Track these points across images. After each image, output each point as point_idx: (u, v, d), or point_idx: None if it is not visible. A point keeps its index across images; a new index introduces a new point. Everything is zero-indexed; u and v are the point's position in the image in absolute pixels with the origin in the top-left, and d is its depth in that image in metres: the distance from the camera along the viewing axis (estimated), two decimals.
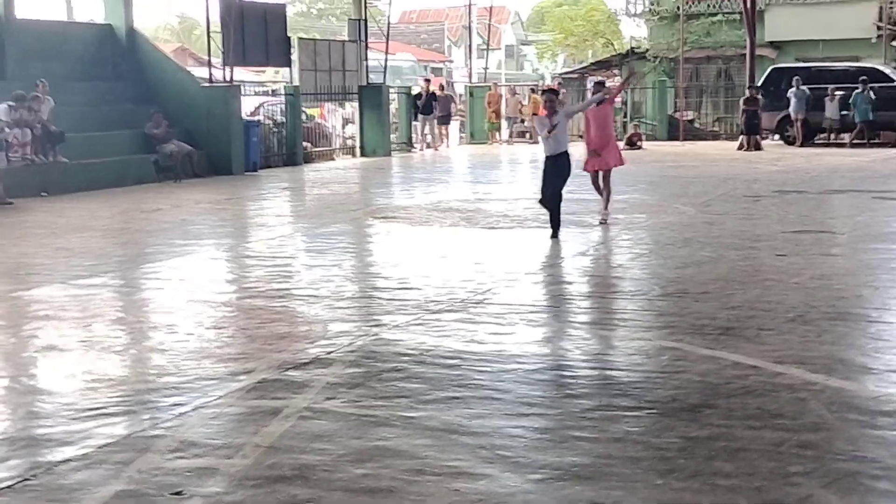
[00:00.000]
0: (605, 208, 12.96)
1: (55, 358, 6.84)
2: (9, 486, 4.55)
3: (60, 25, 22.61)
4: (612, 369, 6.41)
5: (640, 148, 28.28)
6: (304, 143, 26.10)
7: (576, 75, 38.45)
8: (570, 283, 9.26)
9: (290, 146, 25.41)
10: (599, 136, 12.97)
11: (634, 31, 43.85)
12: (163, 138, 20.88)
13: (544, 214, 13.82)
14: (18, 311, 8.56)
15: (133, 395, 5.87)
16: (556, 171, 11.80)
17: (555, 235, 11.69)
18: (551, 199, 11.80)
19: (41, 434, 5.22)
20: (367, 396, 5.85)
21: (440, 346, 6.97)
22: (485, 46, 37.72)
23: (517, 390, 5.91)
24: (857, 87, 26.86)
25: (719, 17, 34.25)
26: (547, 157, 11.94)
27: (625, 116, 33.07)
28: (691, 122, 33.17)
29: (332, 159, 27.21)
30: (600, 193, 13.15)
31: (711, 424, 5.25)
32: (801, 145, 27.59)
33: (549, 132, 11.70)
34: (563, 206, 12.03)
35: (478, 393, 5.87)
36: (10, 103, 17.91)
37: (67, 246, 11.95)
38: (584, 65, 41.60)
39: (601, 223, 12.75)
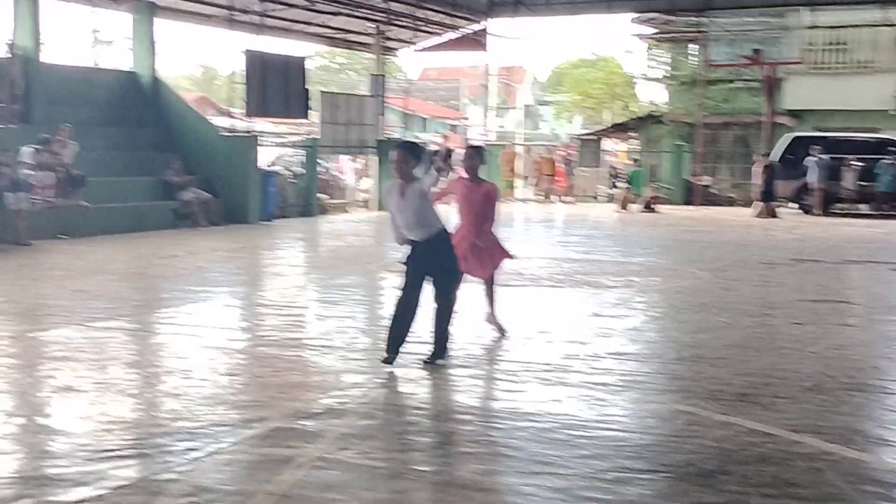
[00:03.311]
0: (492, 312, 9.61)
1: (71, 399, 6.85)
2: None
3: (86, 71, 22.86)
4: (626, 431, 6.38)
5: (655, 211, 28.38)
6: (320, 195, 26.26)
7: (593, 137, 38.66)
8: (583, 343, 9.25)
9: (307, 197, 25.56)
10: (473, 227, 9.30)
11: (653, 95, 44.15)
12: (182, 186, 21.06)
13: (559, 273, 13.83)
14: (36, 351, 8.60)
15: (147, 438, 5.88)
16: (427, 263, 7.92)
17: (388, 360, 7.85)
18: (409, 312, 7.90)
19: (56, 474, 5.23)
20: (380, 448, 5.84)
21: (453, 401, 6.97)
22: (503, 105, 37.98)
23: (530, 448, 5.89)
24: (879, 157, 27.00)
25: (738, 83, 34.47)
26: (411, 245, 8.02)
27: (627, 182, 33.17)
28: (707, 187, 33.26)
29: (347, 211, 27.33)
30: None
31: (726, 491, 5.22)
32: (822, 214, 27.62)
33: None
34: (566, 271, 11.97)
35: (490, 449, 5.86)
36: (35, 146, 18.12)
37: (85, 288, 12.01)
38: (602, 127, 41.85)
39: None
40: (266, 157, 25.84)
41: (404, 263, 7.96)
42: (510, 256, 9.82)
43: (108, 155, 21.06)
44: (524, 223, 26.09)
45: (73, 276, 13.10)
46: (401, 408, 6.77)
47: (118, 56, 23.96)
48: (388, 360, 7.80)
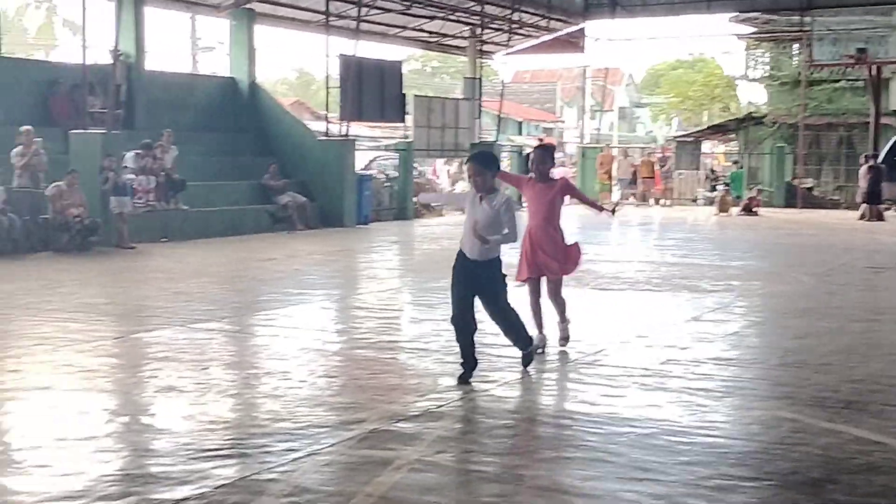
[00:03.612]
0: (562, 321, 8.98)
1: (173, 398, 6.96)
2: None
3: (187, 78, 23.36)
4: (728, 438, 6.24)
5: (755, 214, 27.88)
6: (415, 199, 26.39)
7: (690, 139, 38.15)
8: (683, 348, 9.10)
9: (401, 201, 25.69)
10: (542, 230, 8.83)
11: (753, 97, 43.41)
12: (278, 189, 21.34)
13: (657, 277, 13.66)
14: (139, 351, 8.77)
15: (247, 438, 5.94)
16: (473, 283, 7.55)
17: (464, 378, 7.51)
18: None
19: (159, 472, 5.30)
20: (478, 452, 5.81)
21: (551, 405, 6.91)
22: (598, 108, 37.73)
23: (630, 454, 5.79)
24: None
25: (842, 83, 33.68)
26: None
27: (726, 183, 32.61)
28: (810, 189, 32.58)
29: (442, 215, 27.40)
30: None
31: (833, 500, 5.07)
32: None
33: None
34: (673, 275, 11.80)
35: (589, 454, 5.79)
36: (138, 151, 18.54)
37: (186, 290, 12.22)
38: (700, 128, 41.27)
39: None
40: (361, 160, 26.04)
41: (452, 275, 7.61)
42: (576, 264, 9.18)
43: (207, 159, 21.45)
44: (621, 227, 25.83)
45: (174, 279, 13.35)
46: (498, 411, 6.73)
47: (217, 62, 24.42)
48: (464, 379, 7.46)
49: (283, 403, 6.78)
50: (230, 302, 11.63)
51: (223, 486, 5.09)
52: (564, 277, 9.07)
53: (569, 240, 9.09)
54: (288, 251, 17.13)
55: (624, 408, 6.83)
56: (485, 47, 31.18)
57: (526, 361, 7.88)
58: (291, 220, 21.04)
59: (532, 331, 8.16)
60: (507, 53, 31.49)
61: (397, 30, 29.52)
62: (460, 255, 7.57)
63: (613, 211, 10.33)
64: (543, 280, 8.85)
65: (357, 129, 28.29)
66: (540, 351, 8.44)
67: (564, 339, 8.90)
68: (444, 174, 30.75)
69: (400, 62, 27.59)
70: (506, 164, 30.57)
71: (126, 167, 18.23)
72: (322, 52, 23.96)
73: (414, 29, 29.74)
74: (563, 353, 8.60)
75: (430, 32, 30.49)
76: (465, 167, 7.92)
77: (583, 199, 9.90)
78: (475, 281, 7.50)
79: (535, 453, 5.82)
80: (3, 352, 8.54)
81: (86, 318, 10.09)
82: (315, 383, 7.50)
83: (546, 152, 9.14)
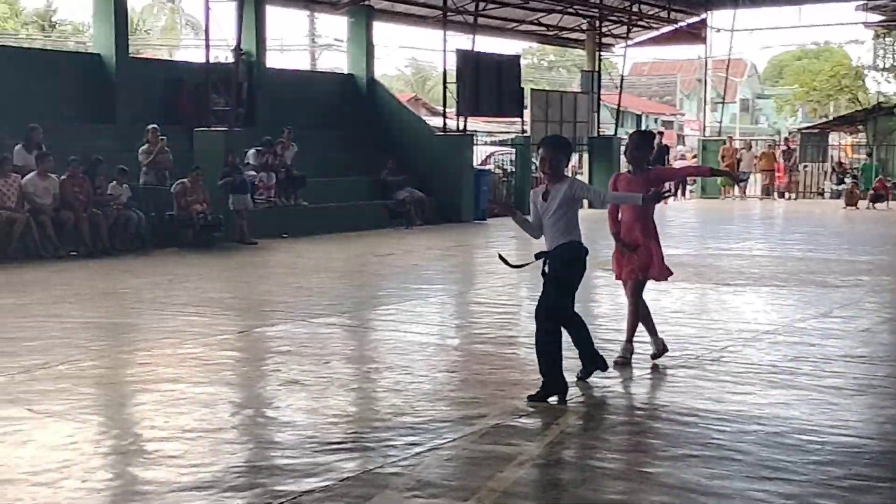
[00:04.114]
0: (629, 340, 7.92)
1: (296, 392, 7.04)
2: None
3: (306, 75, 23.68)
4: (861, 437, 6.02)
5: (886, 208, 27.01)
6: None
7: (816, 130, 37.13)
8: (812, 344, 8.83)
9: (519, 195, 25.60)
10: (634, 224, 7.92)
11: (882, 86, 42.07)
12: (397, 185, 21.48)
13: (783, 272, 13.32)
14: (262, 346, 8.91)
15: (370, 432, 5.96)
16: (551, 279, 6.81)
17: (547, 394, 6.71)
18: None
19: (285, 464, 5.36)
20: (601, 448, 5.73)
21: (675, 402, 6.77)
22: (719, 100, 37.02)
23: (759, 453, 5.64)
24: None
25: None
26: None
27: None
28: None
29: None
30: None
31: None
32: None
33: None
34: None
35: (717, 453, 5.65)
36: (259, 148, 18.88)
37: (307, 286, 12.38)
38: (827, 119, 40.17)
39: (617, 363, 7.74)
40: (478, 155, 26.04)
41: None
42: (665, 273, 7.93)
43: (326, 156, 21.72)
44: (744, 220, 25.31)
45: (295, 274, 13.54)
46: (622, 408, 6.64)
47: (335, 60, 24.73)
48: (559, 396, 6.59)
49: (405, 398, 6.79)
50: (350, 297, 11.73)
51: (347, 479, 5.12)
52: (649, 283, 7.96)
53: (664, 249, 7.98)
54: (406, 246, 17.22)
55: (751, 405, 6.66)
56: (603, 40, 30.85)
57: (538, 397, 6.66)
58: (409, 216, 21.16)
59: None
60: (627, 46, 31.10)
61: (514, 24, 29.43)
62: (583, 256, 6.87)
63: (741, 179, 8.53)
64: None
65: (474, 124, 28.31)
66: (658, 356, 7.79)
67: (620, 359, 7.72)
68: None
69: (518, 56, 27.52)
70: (622, 158, 30.20)
71: (247, 164, 18.58)
72: (439, 47, 24.04)
73: (531, 22, 29.61)
74: (684, 354, 8.42)
75: (548, 26, 30.31)
76: (538, 152, 7.03)
77: (685, 172, 8.51)
78: (553, 268, 6.72)
79: (659, 450, 5.71)
80: (133, 345, 8.78)
81: (211, 313, 10.31)
82: (436, 378, 7.51)
83: (642, 137, 8.16)
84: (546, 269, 6.74)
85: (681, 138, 52.26)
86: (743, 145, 34.25)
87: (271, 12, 22.46)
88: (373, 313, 10.63)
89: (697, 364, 7.93)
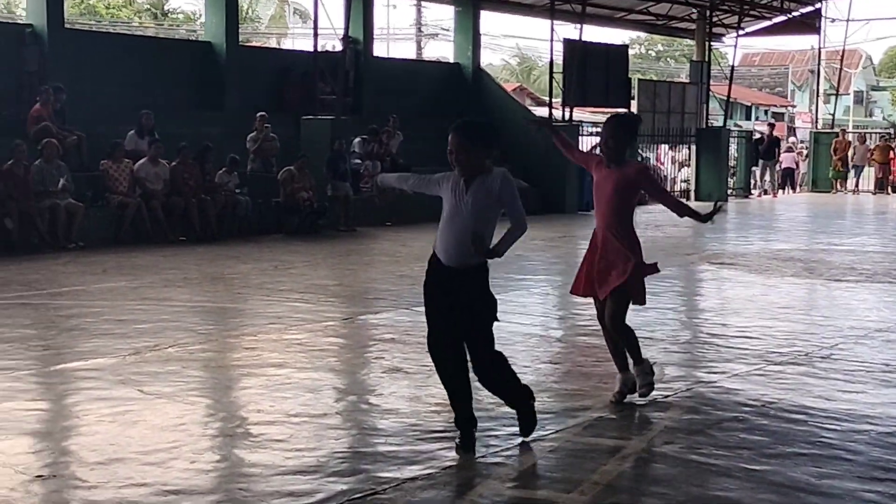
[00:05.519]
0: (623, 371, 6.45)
1: (399, 380, 7.08)
2: (360, 498, 4.73)
3: (412, 64, 23.78)
4: None
5: None
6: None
7: None
8: None
9: None
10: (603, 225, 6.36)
11: None
12: None
13: None
14: (365, 333, 8.98)
15: None
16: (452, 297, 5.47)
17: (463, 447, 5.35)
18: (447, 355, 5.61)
19: (388, 451, 5.40)
20: (707, 444, 5.63)
21: (784, 399, 6.62)
22: (832, 91, 36.10)
23: (870, 453, 5.49)
24: None
25: None
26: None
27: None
28: None
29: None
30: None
31: None
32: None
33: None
34: None
35: (826, 451, 5.51)
36: (364, 137, 19.03)
37: (409, 274, 12.41)
38: None
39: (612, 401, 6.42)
40: (584, 146, 25.83)
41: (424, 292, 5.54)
42: (646, 270, 6.54)
43: (432, 145, 21.73)
44: (856, 215, 24.67)
45: (399, 262, 13.62)
46: (727, 403, 6.50)
47: (441, 49, 24.78)
48: (463, 446, 5.31)
49: None
50: None
51: (449, 467, 5.14)
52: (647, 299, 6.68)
53: (646, 256, 6.52)
54: None
55: (863, 404, 6.49)
56: (714, 29, 30.30)
57: (526, 428, 5.58)
58: None
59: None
60: (738, 35, 30.51)
61: (623, 13, 29.11)
62: (432, 261, 5.53)
63: (713, 213, 6.39)
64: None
65: (580, 114, 28.09)
66: (616, 398, 6.37)
67: (642, 388, 6.36)
68: (669, 160, 30.11)
69: (626, 46, 27.24)
70: (731, 150, 29.64)
71: (353, 152, 18.74)
72: (546, 37, 23.91)
73: (640, 11, 29.24)
74: (793, 350, 8.23)
75: (657, 15, 29.91)
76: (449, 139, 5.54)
77: (664, 199, 6.52)
78: (454, 298, 5.42)
79: (766, 448, 5.58)
80: (240, 330, 8.93)
81: (315, 300, 10.42)
82: (539, 369, 7.47)
83: (620, 122, 6.38)
84: (454, 287, 5.50)
85: (792, 130, 51.04)
86: (856, 138, 33.34)
87: (378, 1, 22.63)
88: None
89: (807, 361, 7.76)
